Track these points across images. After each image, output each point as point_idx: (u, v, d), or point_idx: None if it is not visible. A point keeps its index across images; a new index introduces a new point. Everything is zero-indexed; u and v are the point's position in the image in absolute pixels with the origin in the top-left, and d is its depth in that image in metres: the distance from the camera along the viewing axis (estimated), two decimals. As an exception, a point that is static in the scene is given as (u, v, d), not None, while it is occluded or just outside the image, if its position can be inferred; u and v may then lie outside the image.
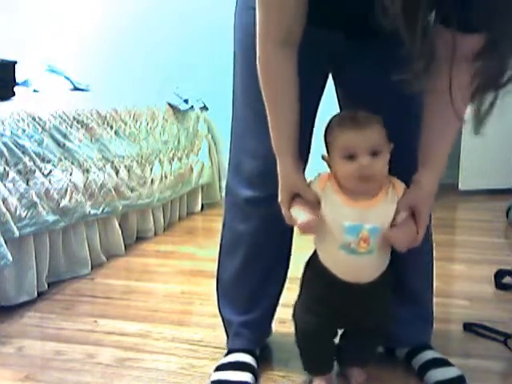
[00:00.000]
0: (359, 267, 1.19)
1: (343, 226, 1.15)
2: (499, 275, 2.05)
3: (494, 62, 0.99)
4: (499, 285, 2.04)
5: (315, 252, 1.26)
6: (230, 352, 1.49)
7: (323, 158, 1.21)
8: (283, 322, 1.56)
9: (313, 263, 1.26)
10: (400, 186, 1.20)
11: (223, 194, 3.98)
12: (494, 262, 2.25)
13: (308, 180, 1.23)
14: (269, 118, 1.19)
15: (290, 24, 1.11)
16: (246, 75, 1.30)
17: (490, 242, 2.63)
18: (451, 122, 1.15)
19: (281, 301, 1.52)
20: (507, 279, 2.05)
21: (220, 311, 1.57)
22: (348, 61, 1.28)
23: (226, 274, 1.52)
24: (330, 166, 1.20)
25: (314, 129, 1.35)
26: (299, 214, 1.16)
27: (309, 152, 1.37)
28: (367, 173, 1.12)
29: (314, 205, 1.18)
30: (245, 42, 1.26)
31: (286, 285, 1.51)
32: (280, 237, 1.42)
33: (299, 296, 1.32)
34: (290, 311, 1.36)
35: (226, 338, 1.56)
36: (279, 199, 1.21)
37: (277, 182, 1.21)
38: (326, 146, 1.20)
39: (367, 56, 1.24)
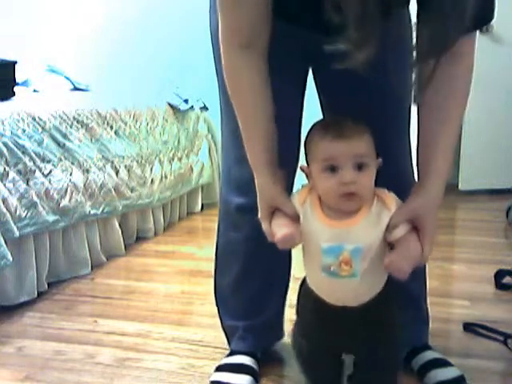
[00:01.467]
0: (344, 291, 1.06)
1: (321, 248, 1.02)
2: (499, 275, 2.05)
3: (438, 26, 0.94)
4: (499, 285, 2.04)
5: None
6: (232, 353, 1.48)
7: (302, 169, 1.09)
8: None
9: (304, 283, 1.15)
10: (388, 196, 1.03)
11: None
12: (494, 262, 2.25)
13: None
14: (240, 128, 1.11)
15: (252, 25, 1.03)
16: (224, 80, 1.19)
17: (490, 242, 2.63)
18: (451, 111, 1.07)
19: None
20: (507, 279, 2.05)
21: (221, 318, 1.54)
22: (327, 56, 1.20)
23: (225, 283, 1.49)
24: (309, 178, 1.08)
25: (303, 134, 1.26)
26: (278, 228, 1.04)
27: (297, 160, 1.30)
28: (350, 189, 0.98)
29: (295, 219, 1.06)
30: (217, 46, 1.15)
31: (291, 284, 1.47)
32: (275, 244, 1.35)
33: (296, 316, 1.22)
34: (293, 311, 1.34)
35: (226, 340, 1.54)
36: (259, 214, 1.10)
37: None
38: (306, 155, 1.08)
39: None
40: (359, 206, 1.01)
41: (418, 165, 1.10)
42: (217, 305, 1.54)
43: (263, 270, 1.41)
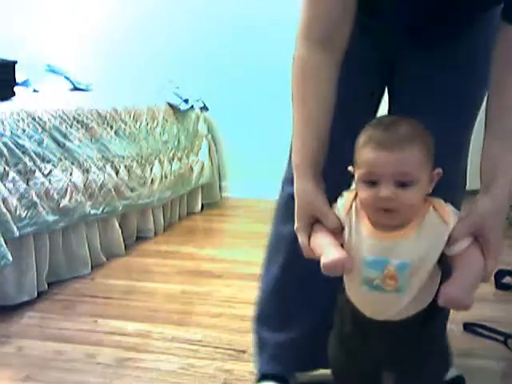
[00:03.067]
0: (386, 305, 0.97)
1: (365, 260, 0.93)
2: (499, 275, 2.05)
3: None
4: (499, 285, 2.04)
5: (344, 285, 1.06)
6: (262, 378, 1.35)
7: (349, 171, 0.97)
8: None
9: (341, 292, 1.05)
10: (445, 208, 0.93)
11: (223, 194, 3.95)
12: (494, 262, 2.25)
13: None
14: (294, 123, 1.04)
15: (334, 21, 1.00)
16: None
17: (489, 242, 2.62)
18: None
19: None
20: (507, 279, 2.05)
21: (254, 329, 1.39)
22: (406, 67, 1.16)
23: (265, 284, 1.36)
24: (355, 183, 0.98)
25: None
26: (324, 246, 0.94)
27: None
28: (388, 206, 0.89)
29: (337, 233, 0.96)
30: None
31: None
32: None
33: (333, 327, 1.11)
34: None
35: (255, 356, 1.40)
36: (295, 226, 1.00)
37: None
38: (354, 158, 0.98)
39: (430, 61, 1.14)
40: (407, 220, 0.92)
41: (481, 169, 0.98)
42: (255, 315, 1.39)
43: (304, 269, 1.22)
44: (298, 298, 1.30)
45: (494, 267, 0.92)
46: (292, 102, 1.04)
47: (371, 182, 0.89)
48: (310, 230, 0.98)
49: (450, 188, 1.02)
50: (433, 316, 0.99)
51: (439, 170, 0.93)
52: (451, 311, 1.40)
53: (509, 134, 0.96)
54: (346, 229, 0.95)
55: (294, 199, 1.17)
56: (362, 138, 0.92)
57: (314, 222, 0.98)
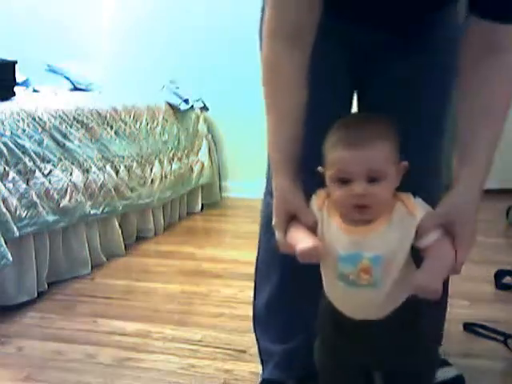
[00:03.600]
0: (363, 302, 0.98)
1: (339, 255, 0.95)
2: (499, 275, 2.05)
3: None
4: (499, 285, 2.04)
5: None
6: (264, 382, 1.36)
7: (319, 172, 0.98)
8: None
9: (323, 300, 1.06)
10: (412, 202, 0.94)
11: (223, 194, 3.94)
12: (494, 262, 2.25)
13: None
14: (267, 120, 1.04)
15: (300, 16, 0.99)
16: None
17: (490, 242, 2.62)
18: (494, 104, 0.97)
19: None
20: (507, 279, 2.05)
21: (258, 341, 1.40)
22: (375, 61, 1.16)
23: (261, 300, 1.36)
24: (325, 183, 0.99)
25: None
26: (299, 239, 0.95)
27: None
28: (362, 202, 0.91)
29: (314, 230, 0.97)
30: None
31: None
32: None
33: (318, 332, 1.12)
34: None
35: (259, 365, 1.40)
36: (273, 222, 1.01)
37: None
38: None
39: (397, 54, 1.14)
40: (378, 214, 0.93)
41: (455, 164, 1.00)
42: (254, 327, 1.40)
43: (300, 281, 1.25)
44: (302, 308, 1.29)
45: (465, 259, 0.92)
46: (265, 102, 1.04)
47: (343, 181, 0.91)
48: (287, 226, 0.98)
49: (428, 186, 1.04)
50: (412, 311, 0.99)
51: (405, 163, 0.94)
52: (450, 311, 1.40)
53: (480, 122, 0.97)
54: (319, 225, 0.97)
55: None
56: (330, 139, 0.94)
57: (292, 219, 0.99)
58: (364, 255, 0.93)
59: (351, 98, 1.24)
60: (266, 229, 1.27)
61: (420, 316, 1.02)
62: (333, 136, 0.94)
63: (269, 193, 1.24)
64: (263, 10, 1.14)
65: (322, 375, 1.12)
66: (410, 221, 0.92)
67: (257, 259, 1.37)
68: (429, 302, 0.92)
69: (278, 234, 1.00)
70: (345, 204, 0.93)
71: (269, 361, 1.36)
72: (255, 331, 1.40)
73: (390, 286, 0.95)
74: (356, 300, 0.98)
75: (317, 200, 0.99)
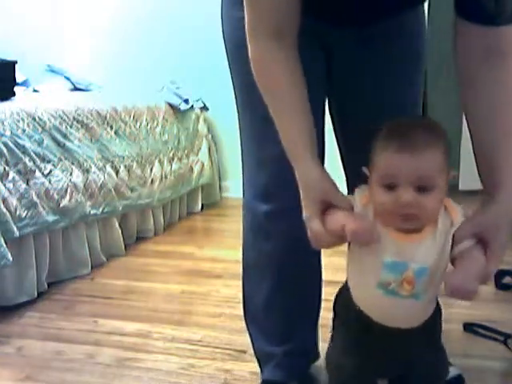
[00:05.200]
0: (399, 311, 0.94)
1: (383, 262, 0.89)
2: (499, 275, 2.05)
3: None
4: (499, 285, 2.03)
5: (347, 288, 1.01)
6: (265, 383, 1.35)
7: (364, 172, 0.92)
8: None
9: (344, 302, 1.01)
10: (455, 207, 0.92)
11: (223, 194, 3.94)
12: (494, 262, 2.25)
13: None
14: (276, 120, 1.01)
15: (282, 13, 0.97)
16: (246, 74, 1.06)
17: (490, 242, 2.62)
18: (507, 120, 0.95)
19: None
20: (507, 279, 2.05)
21: (253, 342, 1.39)
22: (341, 54, 1.16)
23: (256, 302, 1.33)
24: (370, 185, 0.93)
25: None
26: (347, 220, 0.88)
27: (323, 158, 1.18)
28: (408, 211, 0.85)
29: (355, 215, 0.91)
30: (236, 36, 1.09)
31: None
32: (309, 253, 1.14)
33: (332, 338, 1.07)
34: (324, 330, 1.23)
35: (258, 366, 1.40)
36: (304, 215, 0.95)
37: (297, 192, 0.98)
38: (369, 159, 0.93)
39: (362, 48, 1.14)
40: (424, 224, 0.89)
41: (480, 176, 0.98)
42: (248, 329, 1.39)
43: (297, 284, 1.27)
44: (294, 313, 1.30)
45: (495, 269, 0.90)
46: (268, 103, 1.01)
47: (389, 186, 0.86)
48: (322, 216, 0.92)
49: None
50: (434, 321, 0.99)
51: (454, 173, 0.90)
52: (450, 311, 1.40)
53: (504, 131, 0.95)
54: None
55: (269, 218, 1.18)
56: (381, 139, 0.89)
57: (326, 208, 0.93)
58: (410, 265, 0.88)
59: (324, 96, 1.23)
60: (258, 232, 1.26)
61: (439, 324, 1.01)
62: (384, 137, 0.89)
63: (255, 197, 1.24)
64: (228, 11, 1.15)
65: (339, 378, 1.06)
66: (451, 229, 0.89)
67: (244, 262, 1.34)
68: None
69: (314, 226, 0.92)
70: (390, 211, 0.87)
71: (268, 361, 1.35)
72: (250, 332, 1.39)
73: (429, 298, 0.93)
74: (393, 309, 0.93)
75: (361, 195, 0.93)
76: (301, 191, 0.96)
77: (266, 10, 0.97)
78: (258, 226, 1.26)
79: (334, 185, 0.95)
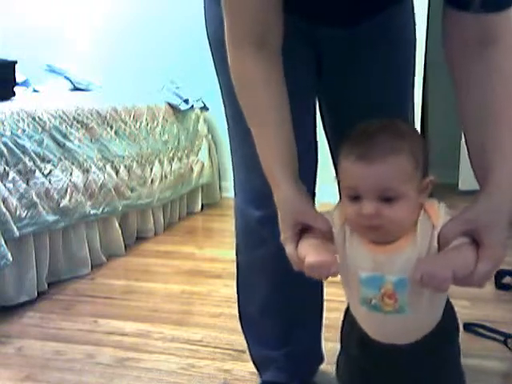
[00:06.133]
0: (389, 327, 0.88)
1: (359, 278, 0.85)
2: (499, 275, 2.05)
3: None
4: (499, 285, 2.04)
5: None
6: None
7: (337, 181, 0.89)
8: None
9: (348, 312, 0.97)
10: (434, 208, 0.83)
11: (223, 194, 3.94)
12: (494, 262, 2.25)
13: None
14: (254, 134, 0.96)
15: (263, 21, 0.92)
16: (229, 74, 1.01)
17: (490, 241, 2.62)
18: (500, 107, 0.88)
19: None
20: (507, 279, 2.05)
21: (249, 347, 1.37)
22: (333, 55, 1.13)
23: (252, 307, 1.30)
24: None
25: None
26: (312, 250, 0.84)
27: (315, 167, 1.17)
28: (372, 223, 0.80)
29: (330, 239, 0.87)
30: (222, 35, 1.03)
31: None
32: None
33: (340, 347, 1.03)
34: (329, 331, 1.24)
35: (256, 370, 1.39)
36: (281, 237, 0.91)
37: None
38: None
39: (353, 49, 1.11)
40: (398, 234, 0.82)
41: (474, 171, 0.92)
42: (244, 332, 1.37)
43: (296, 286, 1.20)
44: (294, 316, 1.28)
45: (488, 270, 0.81)
46: (246, 115, 0.97)
47: (355, 197, 0.81)
48: (298, 239, 0.88)
49: None
50: (444, 338, 0.91)
51: (432, 178, 0.84)
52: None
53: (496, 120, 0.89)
54: (340, 241, 0.86)
55: (261, 223, 1.15)
56: (344, 149, 0.83)
57: (302, 231, 0.89)
58: (387, 278, 0.82)
59: (315, 97, 1.20)
60: (251, 237, 1.23)
61: (450, 343, 0.94)
62: (346, 145, 0.84)
63: (247, 202, 1.21)
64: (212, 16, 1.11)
65: None
66: (434, 233, 0.81)
67: (237, 266, 1.31)
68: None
69: (288, 250, 0.88)
70: (357, 223, 0.83)
71: (268, 365, 1.33)
72: (246, 337, 1.37)
73: (420, 310, 0.85)
74: (381, 325, 0.88)
75: (339, 212, 0.87)
76: (278, 211, 0.92)
77: (246, 17, 0.92)
78: (250, 231, 1.22)
79: (310, 205, 0.91)
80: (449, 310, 0.92)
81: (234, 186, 1.25)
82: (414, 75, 1.20)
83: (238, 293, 1.33)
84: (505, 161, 0.86)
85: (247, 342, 1.37)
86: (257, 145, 0.95)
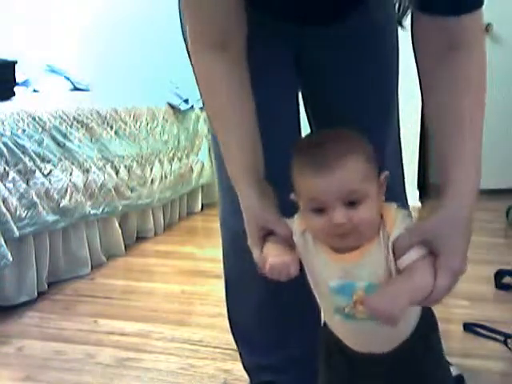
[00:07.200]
0: (364, 335, 0.87)
1: (329, 287, 0.83)
2: (499, 275, 2.05)
3: None
4: (499, 285, 2.04)
5: None
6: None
7: (292, 199, 0.85)
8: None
9: (325, 326, 0.96)
10: (391, 214, 0.82)
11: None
12: (494, 262, 2.25)
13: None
14: (218, 137, 0.95)
15: (224, 21, 0.90)
16: None
17: (490, 242, 2.62)
18: (464, 111, 0.86)
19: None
20: (507, 279, 2.05)
21: (242, 356, 1.33)
22: (311, 53, 1.11)
23: (244, 316, 1.27)
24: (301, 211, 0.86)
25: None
26: (272, 254, 0.85)
27: None
28: (344, 231, 0.78)
29: (292, 243, 0.86)
30: None
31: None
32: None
33: (320, 363, 1.01)
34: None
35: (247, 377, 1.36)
36: (248, 241, 0.91)
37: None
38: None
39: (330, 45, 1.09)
40: (364, 238, 0.81)
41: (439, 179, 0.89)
42: (236, 342, 1.32)
43: (288, 294, 1.17)
44: (291, 318, 1.25)
45: (447, 284, 0.78)
46: (209, 119, 0.95)
47: (319, 210, 0.79)
48: (263, 243, 0.88)
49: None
50: (423, 344, 0.89)
51: (386, 173, 0.82)
52: (450, 311, 1.40)
53: (458, 126, 0.86)
54: (301, 250, 0.85)
55: (245, 233, 1.09)
56: (296, 164, 0.82)
57: (267, 235, 0.88)
58: (357, 285, 0.81)
59: (297, 95, 1.18)
60: (238, 250, 1.15)
61: (432, 353, 0.92)
62: (297, 160, 0.82)
63: (231, 214, 1.14)
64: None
65: None
66: (388, 241, 0.80)
67: (226, 278, 1.28)
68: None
69: (254, 254, 0.89)
70: (327, 234, 0.80)
71: (264, 371, 1.29)
72: (239, 347, 1.32)
73: None
74: (356, 334, 0.87)
75: (299, 221, 0.86)
76: (243, 215, 0.92)
77: (205, 20, 0.91)
78: (237, 244, 1.15)
79: (272, 210, 0.89)
80: (426, 312, 0.91)
81: (219, 198, 1.23)
82: (397, 75, 1.18)
83: (227, 305, 1.30)
84: (463, 171, 0.84)
85: (240, 353, 1.33)
86: (221, 146, 0.95)
